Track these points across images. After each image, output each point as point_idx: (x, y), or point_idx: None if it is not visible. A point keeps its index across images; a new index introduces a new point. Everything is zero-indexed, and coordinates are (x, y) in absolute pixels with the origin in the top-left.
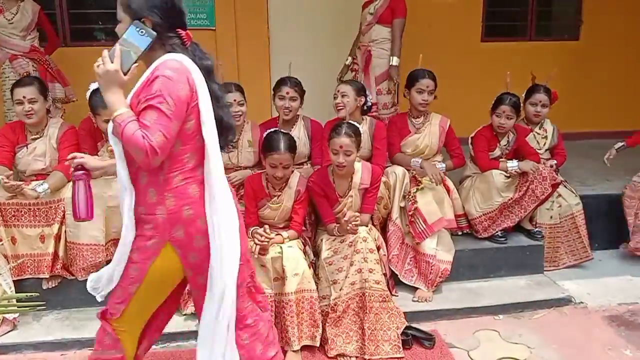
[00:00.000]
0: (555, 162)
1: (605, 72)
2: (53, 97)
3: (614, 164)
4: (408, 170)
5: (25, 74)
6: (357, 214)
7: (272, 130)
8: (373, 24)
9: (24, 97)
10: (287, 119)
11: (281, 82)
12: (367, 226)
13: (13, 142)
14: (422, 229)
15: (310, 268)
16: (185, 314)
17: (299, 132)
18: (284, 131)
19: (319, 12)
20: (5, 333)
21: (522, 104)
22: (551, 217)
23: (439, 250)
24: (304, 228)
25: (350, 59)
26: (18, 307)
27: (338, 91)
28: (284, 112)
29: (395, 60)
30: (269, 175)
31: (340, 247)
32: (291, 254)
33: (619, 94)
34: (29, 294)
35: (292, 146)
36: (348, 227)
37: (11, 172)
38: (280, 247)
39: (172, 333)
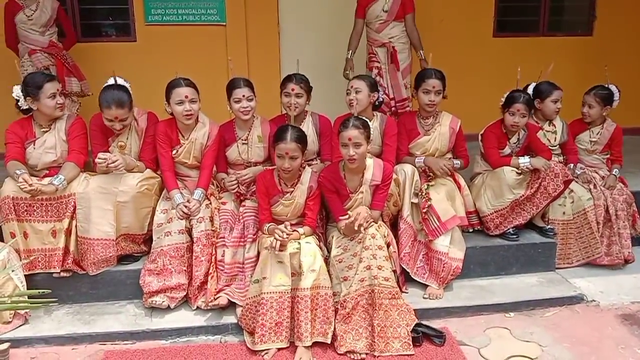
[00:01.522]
0: (572, 165)
1: (619, 68)
2: (69, 90)
3: (624, 160)
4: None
5: (43, 67)
6: (362, 210)
7: (284, 124)
8: (390, 22)
9: (57, 89)
10: (293, 115)
11: (287, 79)
12: (376, 223)
13: (22, 139)
14: (436, 226)
15: (324, 264)
16: (194, 309)
17: (308, 129)
18: (294, 125)
19: (329, 8)
20: (17, 327)
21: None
22: (564, 212)
23: (451, 248)
24: (317, 224)
25: (350, 52)
26: (30, 304)
27: (352, 87)
28: (291, 109)
29: (423, 55)
30: (278, 169)
31: (349, 244)
32: (309, 250)
33: (634, 90)
34: (41, 291)
35: (300, 137)
36: (356, 227)
37: (25, 171)
38: (299, 243)
39: (182, 328)
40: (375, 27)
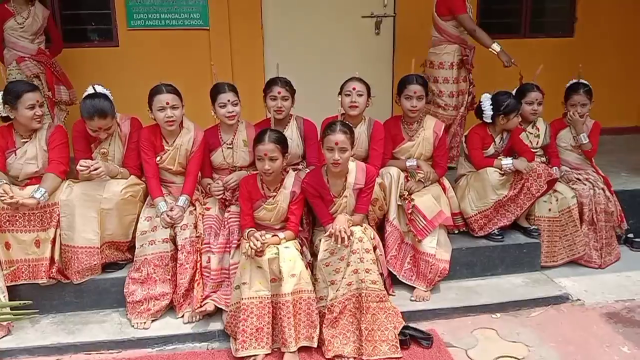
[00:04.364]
0: (555, 168)
1: (600, 68)
2: (58, 99)
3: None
4: (402, 170)
5: (32, 75)
6: (340, 223)
7: (263, 128)
8: None
9: (37, 100)
10: (280, 119)
11: (272, 83)
12: (361, 226)
13: (2, 148)
14: (423, 225)
15: (307, 269)
16: (180, 317)
17: (292, 133)
18: (273, 128)
19: (312, 12)
20: (0, 338)
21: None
22: (549, 209)
23: (438, 249)
24: (300, 228)
25: (496, 42)
26: (12, 315)
27: (353, 89)
28: (277, 112)
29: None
30: (260, 171)
31: (337, 248)
32: (288, 255)
33: (614, 91)
34: (22, 302)
35: (278, 139)
36: (339, 244)
37: (5, 181)
38: (277, 248)
39: (168, 336)
40: (473, 30)
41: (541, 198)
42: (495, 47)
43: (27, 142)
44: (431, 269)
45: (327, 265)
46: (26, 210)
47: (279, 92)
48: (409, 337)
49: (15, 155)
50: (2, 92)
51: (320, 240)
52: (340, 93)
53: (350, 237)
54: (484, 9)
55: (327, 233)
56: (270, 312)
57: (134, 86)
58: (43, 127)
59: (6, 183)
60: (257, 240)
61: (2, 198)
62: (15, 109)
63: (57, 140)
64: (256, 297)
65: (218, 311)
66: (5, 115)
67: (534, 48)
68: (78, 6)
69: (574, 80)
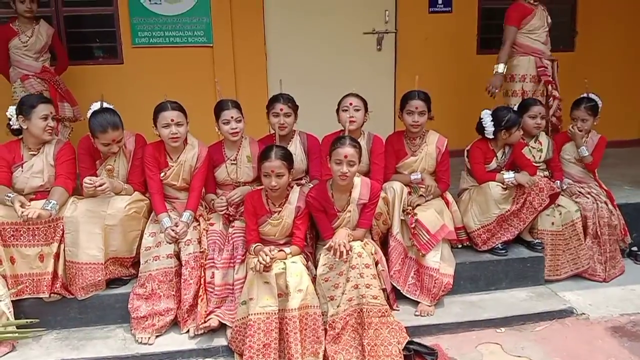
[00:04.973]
0: (558, 182)
1: (601, 81)
2: (62, 116)
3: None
4: (406, 184)
5: (36, 93)
6: (340, 237)
7: (269, 144)
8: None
9: (50, 112)
10: (283, 134)
11: (274, 100)
12: (362, 241)
13: (9, 162)
14: (427, 239)
15: (313, 283)
16: (184, 332)
17: (296, 148)
18: (279, 144)
19: (315, 29)
20: (4, 354)
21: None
22: (552, 223)
23: (442, 264)
24: (304, 243)
25: (503, 65)
26: (18, 334)
27: (350, 104)
28: (279, 129)
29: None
30: (266, 188)
31: (335, 263)
32: (295, 270)
33: (616, 104)
34: (29, 320)
35: (285, 155)
36: (337, 258)
37: (16, 194)
38: (284, 263)
39: (172, 352)
40: (542, 38)
41: (544, 212)
42: (500, 68)
43: (34, 155)
44: (435, 283)
45: (325, 281)
46: (31, 224)
47: (281, 109)
48: (414, 353)
49: (22, 168)
50: (15, 106)
51: (320, 255)
52: (338, 109)
53: (350, 252)
54: (484, 24)
55: (327, 246)
56: (277, 328)
57: (138, 103)
58: (51, 142)
59: (18, 195)
60: (267, 255)
61: (20, 209)
62: (29, 119)
63: (65, 156)
64: (263, 313)
65: (222, 327)
66: (17, 127)
67: None
68: (83, 24)
69: (584, 95)
